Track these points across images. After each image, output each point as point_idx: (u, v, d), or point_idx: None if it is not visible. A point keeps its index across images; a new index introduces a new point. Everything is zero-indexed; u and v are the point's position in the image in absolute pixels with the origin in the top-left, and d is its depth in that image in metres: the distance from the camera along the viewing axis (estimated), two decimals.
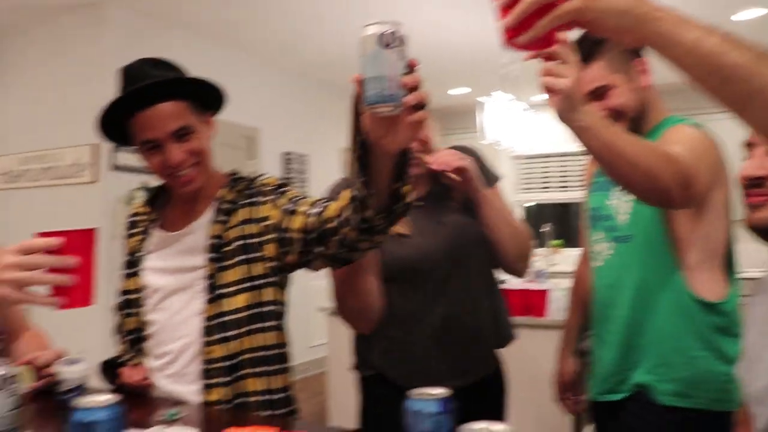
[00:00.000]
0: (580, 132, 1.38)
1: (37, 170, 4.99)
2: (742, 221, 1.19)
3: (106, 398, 0.91)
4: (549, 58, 1.31)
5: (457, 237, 1.78)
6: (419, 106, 1.07)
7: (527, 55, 1.29)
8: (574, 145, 1.45)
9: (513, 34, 1.03)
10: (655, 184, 1.43)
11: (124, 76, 1.55)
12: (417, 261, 1.74)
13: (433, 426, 0.95)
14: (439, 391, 0.98)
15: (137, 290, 1.62)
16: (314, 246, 1.45)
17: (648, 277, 1.69)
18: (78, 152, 4.71)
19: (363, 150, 1.19)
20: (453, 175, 1.72)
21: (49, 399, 1.48)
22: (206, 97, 1.58)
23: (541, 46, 1.10)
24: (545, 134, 7.29)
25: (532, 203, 8.17)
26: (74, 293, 1.13)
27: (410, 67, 1.05)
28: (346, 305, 1.67)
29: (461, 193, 1.77)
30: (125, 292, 1.64)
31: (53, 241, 1.12)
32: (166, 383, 1.55)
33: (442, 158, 1.72)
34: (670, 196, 1.46)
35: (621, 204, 1.76)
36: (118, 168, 4.69)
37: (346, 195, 1.34)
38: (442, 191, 1.81)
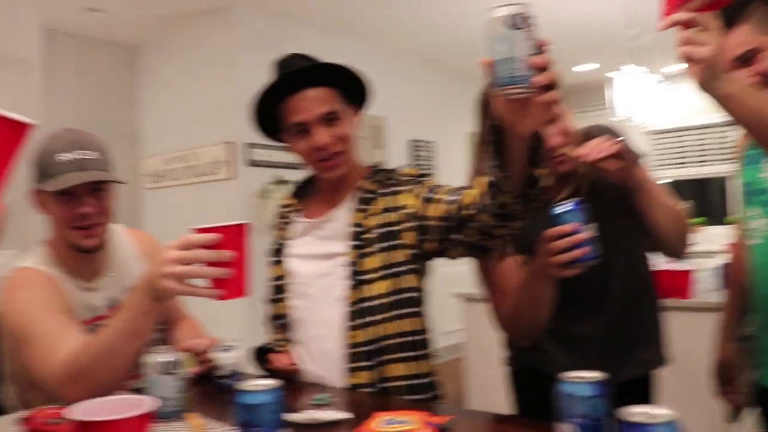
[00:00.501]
0: (724, 101, 1.31)
1: (179, 169, 5.29)
2: None
3: (268, 382, 0.96)
4: (687, 25, 1.25)
5: (623, 237, 1.68)
6: (550, 86, 1.06)
7: (661, 25, 1.23)
8: (712, 116, 1.37)
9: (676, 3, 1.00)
10: None
11: (278, 66, 1.64)
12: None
13: (588, 410, 0.94)
14: (595, 375, 0.96)
15: (282, 277, 1.70)
16: (453, 233, 1.46)
17: None
18: (215, 151, 4.96)
19: (496, 134, 1.19)
20: (614, 164, 1.57)
21: (208, 383, 1.57)
22: (353, 90, 1.65)
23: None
24: (680, 107, 6.93)
25: (668, 180, 7.79)
26: (230, 285, 1.20)
27: (539, 48, 1.04)
28: (518, 315, 1.60)
29: (619, 180, 1.61)
30: (273, 280, 1.72)
31: (210, 236, 1.19)
32: (312, 367, 1.61)
33: (595, 146, 1.57)
34: None
35: None
36: (253, 164, 4.89)
37: (483, 181, 1.33)
38: (595, 186, 1.68)
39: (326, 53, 1.74)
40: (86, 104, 5.30)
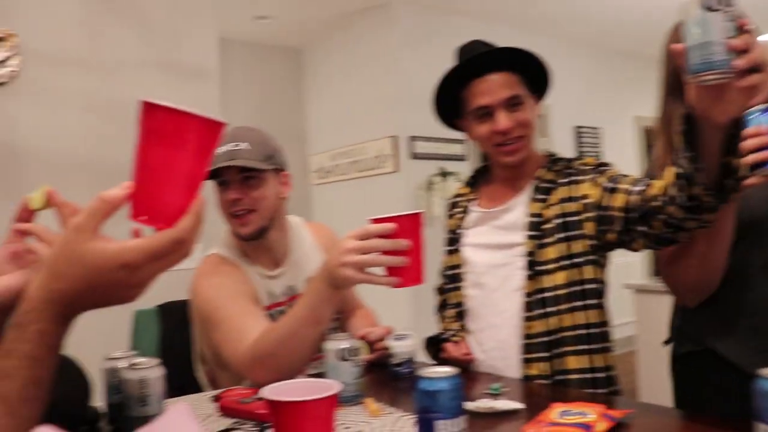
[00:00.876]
0: None
1: (345, 164, 5.47)
2: None
3: (448, 369, 0.97)
4: None
5: None
6: (753, 69, 0.97)
7: None
8: None
9: None
10: None
11: (460, 52, 1.66)
12: None
13: None
14: None
15: (458, 266, 1.70)
16: (636, 225, 1.41)
17: None
18: (379, 145, 5.08)
19: (688, 124, 1.13)
20: None
21: (381, 370, 1.61)
22: (534, 76, 1.64)
23: None
24: None
25: None
26: (407, 273, 1.22)
27: (740, 28, 0.97)
28: (680, 270, 1.47)
29: None
30: (447, 269, 1.74)
31: (387, 226, 1.22)
32: (485, 357, 1.61)
33: None
34: None
35: None
36: (416, 156, 4.96)
37: (670, 172, 1.26)
38: None
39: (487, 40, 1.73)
40: (257, 107, 5.63)
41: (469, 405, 1.19)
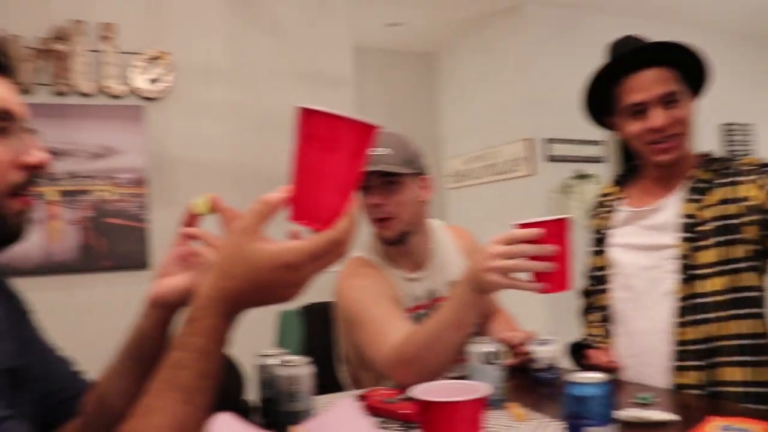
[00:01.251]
0: None
1: (479, 168, 5.44)
2: None
3: (599, 375, 0.94)
4: None
5: None
6: None
7: None
8: None
9: None
10: None
11: (612, 48, 1.62)
12: None
13: None
14: None
15: (604, 268, 1.66)
16: None
17: None
18: (514, 148, 5.01)
19: None
20: None
21: (523, 375, 1.59)
22: (692, 72, 1.59)
23: None
24: None
25: None
26: (554, 279, 1.20)
27: None
28: None
29: None
30: (592, 270, 1.69)
31: (533, 231, 1.20)
32: (633, 363, 1.55)
33: None
34: None
35: None
36: (552, 159, 4.86)
37: None
38: None
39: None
40: (390, 113, 5.71)
41: (621, 414, 1.15)
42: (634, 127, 1.55)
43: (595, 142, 4.85)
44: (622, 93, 1.56)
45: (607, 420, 0.94)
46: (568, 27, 5.02)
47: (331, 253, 0.71)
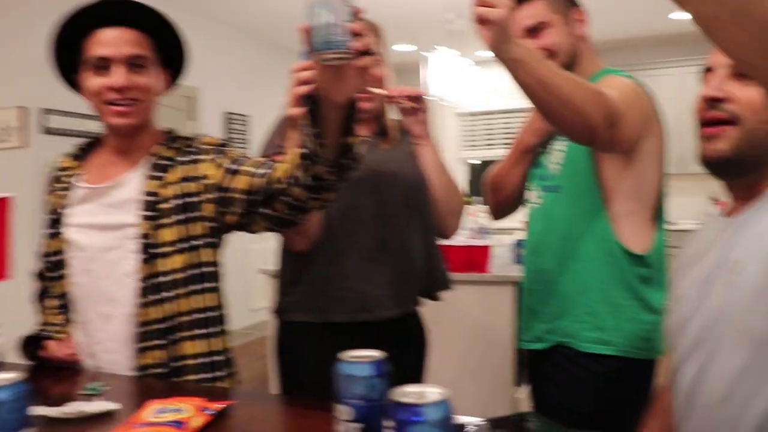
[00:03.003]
0: (512, 65, 1.36)
1: None
2: (697, 156, 1.17)
3: (10, 376, 0.84)
4: None
5: (408, 168, 1.75)
6: (365, 52, 1.11)
7: None
8: (519, 101, 1.43)
9: None
10: (583, 119, 1.42)
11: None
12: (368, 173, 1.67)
13: (366, 390, 0.91)
14: (373, 354, 0.94)
15: (60, 251, 1.52)
16: (258, 207, 1.42)
17: (575, 227, 1.69)
18: (4, 116, 4.49)
19: (312, 102, 1.22)
20: (409, 103, 1.69)
21: None
22: (168, 52, 1.56)
23: None
24: (490, 91, 7.27)
25: (477, 161, 8.19)
26: None
27: (355, 14, 1.09)
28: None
29: (408, 124, 1.73)
30: (47, 254, 1.55)
31: None
32: (96, 351, 1.48)
33: (400, 88, 1.71)
34: (595, 132, 1.45)
35: (553, 153, 1.76)
36: (49, 131, 4.49)
37: (295, 154, 1.32)
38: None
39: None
40: None
41: (50, 411, 1.06)
42: (95, 82, 1.46)
43: (98, 117, 4.61)
44: (89, 45, 1.47)
45: (22, 425, 0.84)
46: None
47: None
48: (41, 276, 1.58)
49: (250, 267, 5.38)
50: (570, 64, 1.69)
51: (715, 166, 1.15)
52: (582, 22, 1.74)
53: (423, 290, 1.80)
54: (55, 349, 1.48)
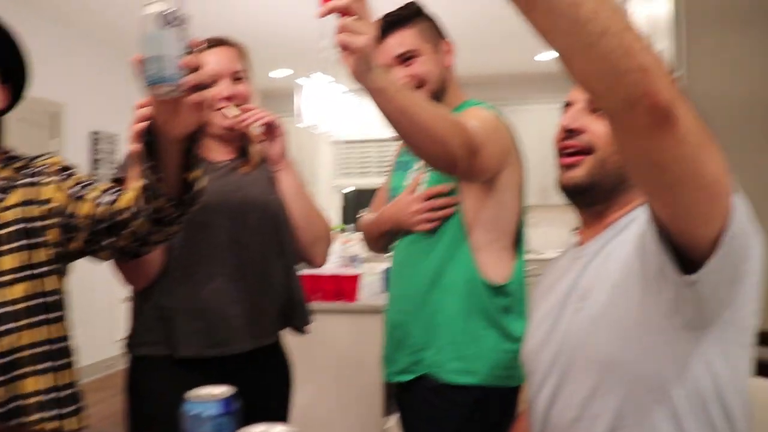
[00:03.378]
0: (375, 94, 1.36)
1: None
2: (556, 184, 1.23)
3: None
4: (346, 12, 1.29)
5: (262, 197, 1.72)
6: (199, 87, 1.07)
7: (320, 11, 1.27)
8: (389, 131, 1.44)
9: None
10: (444, 148, 1.44)
11: None
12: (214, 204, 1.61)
13: (213, 430, 0.87)
14: (221, 391, 0.90)
15: None
16: (103, 237, 1.37)
17: (437, 257, 1.71)
18: None
19: (149, 135, 1.17)
20: (259, 129, 1.67)
21: None
22: (7, 61, 1.45)
23: None
24: (364, 119, 7.34)
25: (351, 188, 8.24)
26: None
27: (191, 48, 1.06)
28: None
29: (264, 151, 1.72)
30: None
31: None
32: None
33: (256, 111, 1.67)
34: (456, 161, 1.47)
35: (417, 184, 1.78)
36: None
37: (137, 185, 1.27)
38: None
39: None
40: None
41: None
42: None
43: None
44: None
45: None
46: None
47: None
48: None
49: (113, 295, 5.14)
50: (439, 93, 1.73)
51: (572, 192, 1.22)
52: (450, 53, 1.79)
53: (284, 321, 1.76)
54: None
